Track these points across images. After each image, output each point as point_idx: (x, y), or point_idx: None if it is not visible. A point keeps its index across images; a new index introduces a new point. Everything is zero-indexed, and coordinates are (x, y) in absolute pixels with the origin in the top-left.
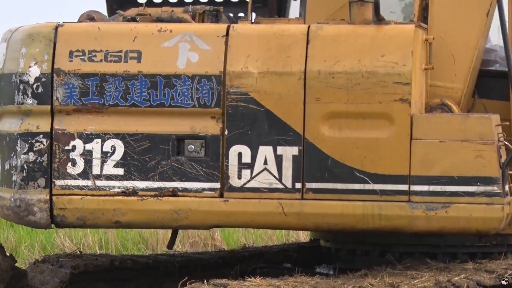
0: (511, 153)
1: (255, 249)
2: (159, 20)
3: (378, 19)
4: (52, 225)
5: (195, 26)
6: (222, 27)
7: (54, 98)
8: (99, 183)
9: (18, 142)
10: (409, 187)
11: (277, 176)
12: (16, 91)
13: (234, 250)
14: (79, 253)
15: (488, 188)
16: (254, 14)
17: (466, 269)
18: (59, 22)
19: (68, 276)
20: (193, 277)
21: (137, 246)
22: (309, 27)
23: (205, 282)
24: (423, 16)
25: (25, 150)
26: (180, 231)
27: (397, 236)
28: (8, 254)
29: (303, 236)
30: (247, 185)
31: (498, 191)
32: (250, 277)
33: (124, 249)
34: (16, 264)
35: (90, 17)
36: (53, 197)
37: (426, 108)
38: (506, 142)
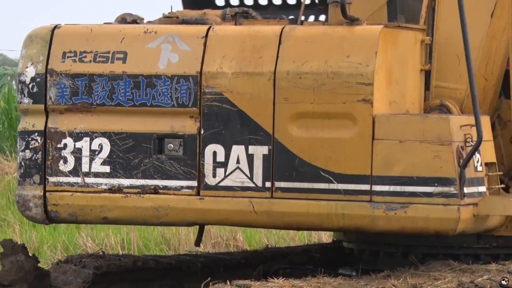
0: (468, 156)
1: (277, 249)
2: (184, 22)
3: (346, 19)
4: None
5: (179, 27)
6: (203, 28)
7: (48, 97)
8: (87, 180)
9: (18, 140)
10: (371, 187)
11: (249, 175)
12: (17, 91)
13: (257, 250)
14: (101, 253)
15: (445, 189)
16: (324, 16)
17: (489, 270)
18: (58, 24)
19: (91, 277)
20: (216, 277)
21: (159, 246)
22: (283, 28)
23: (228, 282)
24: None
25: (23, 147)
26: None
27: (420, 237)
28: (31, 255)
29: (325, 237)
30: (221, 184)
31: (455, 192)
32: (273, 278)
33: (146, 250)
34: (39, 265)
35: (123, 19)
36: (47, 193)
37: (426, 109)
38: (472, 144)
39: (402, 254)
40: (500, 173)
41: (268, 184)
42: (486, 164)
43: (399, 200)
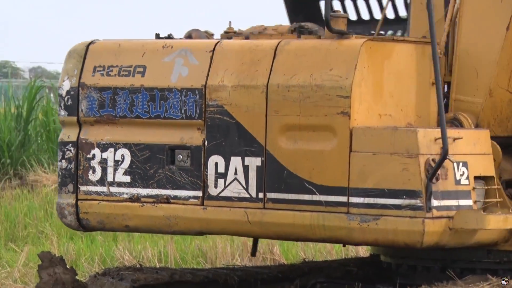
0: (434, 169)
1: (314, 263)
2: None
3: (332, 32)
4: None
5: (191, 42)
6: (211, 42)
7: (80, 110)
8: (112, 189)
9: (58, 150)
10: (348, 199)
11: (245, 186)
12: (57, 104)
13: (294, 264)
14: (139, 266)
15: (412, 201)
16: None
17: None
18: (94, 40)
19: None
20: None
21: (196, 259)
22: (279, 42)
23: None
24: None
25: (60, 157)
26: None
27: (458, 252)
28: (68, 267)
29: (363, 251)
30: (222, 194)
31: (421, 204)
32: None
33: (183, 263)
34: (77, 277)
35: (189, 35)
36: (78, 202)
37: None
38: (449, 158)
39: (440, 268)
40: (498, 186)
41: (261, 195)
42: (480, 177)
43: (372, 212)
